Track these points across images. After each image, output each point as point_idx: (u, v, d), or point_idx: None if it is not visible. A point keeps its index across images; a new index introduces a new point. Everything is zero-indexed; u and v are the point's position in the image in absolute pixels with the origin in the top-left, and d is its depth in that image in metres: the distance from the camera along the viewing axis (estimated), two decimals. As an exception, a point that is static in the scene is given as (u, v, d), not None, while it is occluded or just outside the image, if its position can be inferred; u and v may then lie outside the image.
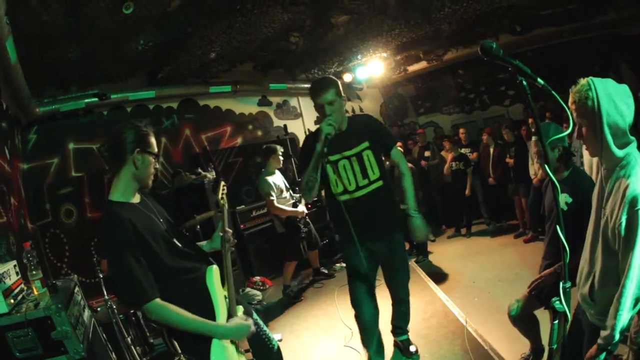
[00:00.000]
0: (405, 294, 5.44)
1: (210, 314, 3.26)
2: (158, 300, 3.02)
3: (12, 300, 3.33)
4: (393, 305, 5.56)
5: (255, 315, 3.96)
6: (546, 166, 2.36)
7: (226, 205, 4.08)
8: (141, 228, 3.10)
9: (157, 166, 3.42)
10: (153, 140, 3.41)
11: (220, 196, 4.12)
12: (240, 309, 3.52)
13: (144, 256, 3.05)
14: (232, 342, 3.32)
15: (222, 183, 4.25)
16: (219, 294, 3.40)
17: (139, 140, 3.28)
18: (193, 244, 3.68)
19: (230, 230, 3.82)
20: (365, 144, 4.81)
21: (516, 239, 10.76)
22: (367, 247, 4.90)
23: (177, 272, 3.25)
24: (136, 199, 3.36)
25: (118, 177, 3.25)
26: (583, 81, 2.66)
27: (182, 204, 8.84)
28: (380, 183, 4.87)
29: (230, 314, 3.40)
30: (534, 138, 6.24)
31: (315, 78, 12.47)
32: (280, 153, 8.46)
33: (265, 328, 4.05)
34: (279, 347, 4.15)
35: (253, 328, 3.39)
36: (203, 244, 3.90)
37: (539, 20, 11.80)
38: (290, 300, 8.49)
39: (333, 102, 4.51)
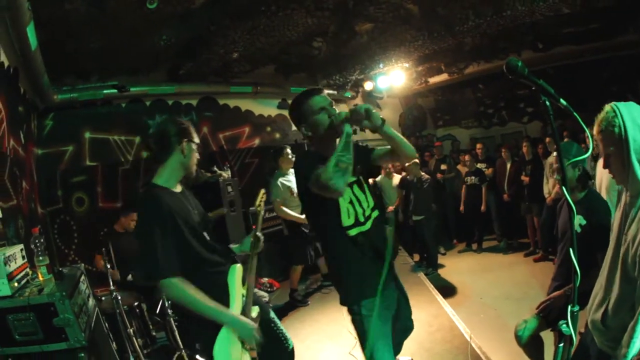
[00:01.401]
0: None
1: (225, 303, 3.40)
2: (176, 278, 3.17)
3: (15, 284, 3.32)
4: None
5: (272, 314, 4.07)
6: (564, 187, 2.33)
7: (262, 212, 4.24)
8: (175, 213, 3.31)
9: (198, 157, 3.73)
10: (194, 132, 3.72)
11: (258, 202, 4.30)
12: (255, 310, 3.65)
13: (173, 238, 3.23)
14: (239, 338, 3.37)
15: (262, 190, 4.46)
16: (237, 292, 3.54)
17: (184, 131, 3.59)
18: (221, 242, 3.85)
19: (262, 236, 3.91)
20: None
21: (526, 258, 10.72)
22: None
23: (201, 262, 3.44)
24: (178, 188, 3.64)
25: (164, 166, 3.54)
26: (608, 107, 2.60)
27: (198, 200, 8.84)
28: (377, 212, 3.98)
29: (245, 313, 3.51)
30: (550, 157, 6.19)
31: (336, 83, 12.49)
32: (289, 152, 8.36)
33: (281, 327, 4.10)
34: (293, 349, 4.17)
35: (258, 337, 3.41)
36: (234, 247, 4.06)
37: (561, 38, 11.76)
38: (296, 304, 8.46)
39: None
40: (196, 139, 3.69)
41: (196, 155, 3.68)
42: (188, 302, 3.20)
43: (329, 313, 7.64)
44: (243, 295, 3.62)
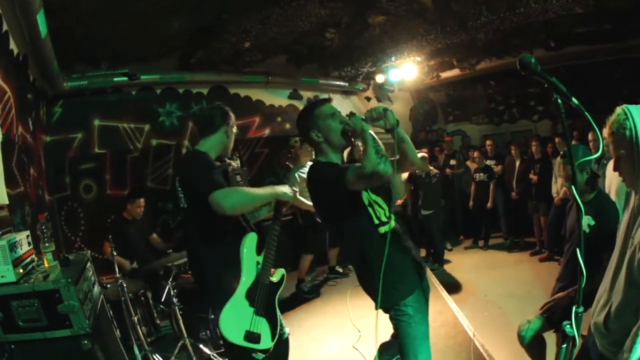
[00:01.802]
0: None
1: (237, 271, 3.80)
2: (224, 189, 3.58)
3: (21, 270, 3.32)
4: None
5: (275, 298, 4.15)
6: (572, 188, 2.31)
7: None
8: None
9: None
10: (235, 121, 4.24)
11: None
12: (280, 273, 4.21)
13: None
14: (251, 305, 3.75)
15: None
16: (249, 258, 3.90)
17: (230, 117, 4.16)
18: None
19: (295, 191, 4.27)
20: None
21: (532, 257, 10.72)
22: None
23: (230, 227, 3.93)
24: None
25: (207, 139, 4.05)
26: (619, 110, 2.56)
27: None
28: (393, 210, 3.80)
29: (258, 279, 3.87)
30: (559, 157, 6.17)
31: (348, 75, 12.47)
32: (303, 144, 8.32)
33: (279, 315, 4.13)
34: (287, 339, 4.33)
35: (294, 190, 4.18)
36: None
37: (574, 37, 11.69)
38: (303, 295, 8.46)
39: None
40: (236, 128, 4.24)
41: (233, 140, 4.19)
42: (243, 198, 3.74)
43: (335, 305, 7.65)
44: (258, 263, 3.95)
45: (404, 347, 3.55)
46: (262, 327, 3.70)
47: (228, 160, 8.98)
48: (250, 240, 3.93)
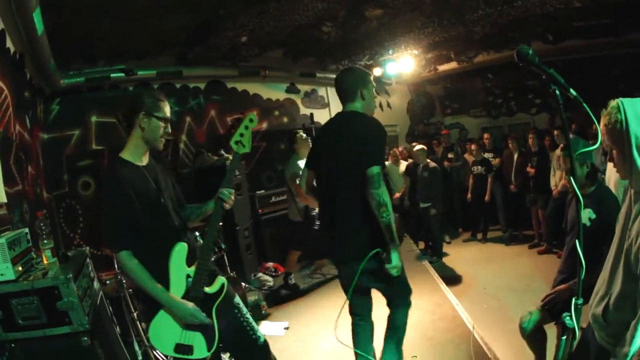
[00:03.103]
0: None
1: (164, 285, 3.40)
2: (125, 252, 3.30)
3: (20, 268, 3.32)
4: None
5: (237, 301, 3.92)
6: (572, 180, 2.31)
7: (239, 154, 3.72)
8: (131, 186, 3.37)
9: (168, 130, 3.62)
10: (162, 105, 3.59)
11: (236, 139, 3.67)
12: (217, 284, 3.63)
13: (126, 212, 3.31)
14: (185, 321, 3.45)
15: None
16: (178, 271, 3.50)
17: (145, 104, 3.52)
18: (183, 219, 3.81)
19: (233, 191, 3.64)
20: None
21: (530, 250, 10.72)
22: None
23: (152, 238, 3.46)
24: (143, 161, 3.61)
25: (129, 139, 3.58)
26: (613, 103, 2.58)
27: (202, 184, 8.82)
28: None
29: (189, 293, 3.47)
30: (558, 149, 6.18)
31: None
32: (304, 136, 8.35)
33: (248, 317, 3.93)
34: (266, 342, 4.04)
35: (201, 318, 3.43)
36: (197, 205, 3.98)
37: (572, 31, 11.71)
38: (287, 287, 8.59)
39: None
40: (160, 112, 3.55)
41: (161, 131, 3.56)
42: (132, 276, 3.35)
43: (334, 299, 7.61)
44: (189, 276, 3.52)
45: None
46: (194, 339, 3.49)
47: (226, 155, 9.02)
48: (178, 252, 3.50)
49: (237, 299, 3.93)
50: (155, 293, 3.33)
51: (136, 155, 3.56)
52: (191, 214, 3.95)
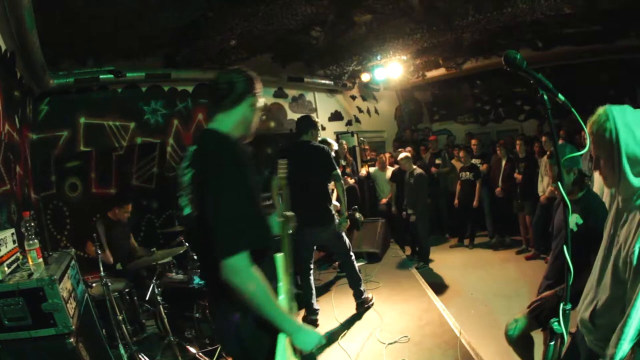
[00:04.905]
0: None
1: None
2: (249, 260, 2.47)
3: (6, 268, 3.30)
4: None
5: None
6: (560, 185, 2.31)
7: (285, 187, 3.67)
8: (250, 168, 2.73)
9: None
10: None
11: (281, 175, 3.67)
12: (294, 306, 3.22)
13: (255, 197, 2.72)
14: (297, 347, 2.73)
15: (283, 161, 3.68)
16: (284, 287, 2.96)
17: (256, 85, 3.10)
18: None
19: (291, 214, 3.43)
20: None
21: (518, 255, 10.76)
22: None
23: (267, 245, 2.87)
24: None
25: (228, 114, 2.97)
26: (600, 111, 2.59)
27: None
28: None
29: (290, 312, 2.93)
30: (546, 156, 6.20)
31: (333, 74, 12.56)
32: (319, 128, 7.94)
33: None
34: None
35: (324, 339, 2.82)
36: None
37: (561, 38, 11.75)
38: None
39: None
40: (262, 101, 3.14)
41: (258, 117, 3.15)
42: (254, 293, 2.46)
43: (319, 302, 7.61)
44: (287, 292, 2.97)
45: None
46: None
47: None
48: (281, 264, 2.98)
49: None
50: (281, 317, 2.57)
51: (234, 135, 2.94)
52: None
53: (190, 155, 2.82)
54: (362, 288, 7.35)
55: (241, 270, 2.42)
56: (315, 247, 7.60)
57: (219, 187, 2.54)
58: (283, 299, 2.84)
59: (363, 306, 7.30)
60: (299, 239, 6.42)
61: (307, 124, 7.19)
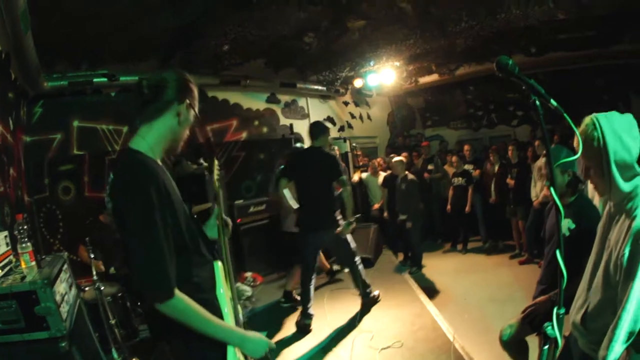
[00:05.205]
0: None
1: (218, 316, 2.57)
2: (180, 296, 2.33)
3: (-1, 271, 3.30)
4: None
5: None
6: (552, 188, 2.32)
7: (221, 190, 3.31)
8: (169, 189, 2.49)
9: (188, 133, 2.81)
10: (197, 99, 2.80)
11: (216, 177, 3.36)
12: (240, 311, 3.12)
13: (169, 228, 2.39)
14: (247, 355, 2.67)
15: (217, 162, 3.43)
16: (226, 296, 2.78)
17: (191, 92, 2.72)
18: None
19: (229, 219, 3.27)
20: None
21: (511, 260, 10.75)
22: None
23: (194, 264, 2.62)
24: (159, 162, 2.63)
25: (150, 126, 2.60)
26: (588, 120, 2.63)
27: (181, 192, 8.77)
28: None
29: (237, 319, 2.92)
30: (539, 161, 6.21)
31: (326, 79, 12.58)
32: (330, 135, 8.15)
33: None
34: None
35: (273, 344, 2.73)
36: None
37: (555, 44, 11.78)
38: (289, 305, 8.10)
39: None
40: (196, 107, 2.75)
41: (188, 129, 2.77)
42: (196, 324, 2.40)
43: (313, 308, 7.60)
44: (230, 299, 2.91)
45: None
46: None
47: (205, 164, 8.94)
48: (220, 272, 2.80)
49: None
50: (224, 333, 2.51)
51: (156, 151, 2.61)
52: None
53: (110, 183, 2.51)
54: (368, 290, 7.50)
55: (172, 311, 2.32)
56: (320, 251, 7.86)
57: (131, 231, 2.32)
58: (226, 309, 2.70)
59: (369, 303, 7.52)
60: (304, 243, 7.16)
61: (319, 131, 7.23)
